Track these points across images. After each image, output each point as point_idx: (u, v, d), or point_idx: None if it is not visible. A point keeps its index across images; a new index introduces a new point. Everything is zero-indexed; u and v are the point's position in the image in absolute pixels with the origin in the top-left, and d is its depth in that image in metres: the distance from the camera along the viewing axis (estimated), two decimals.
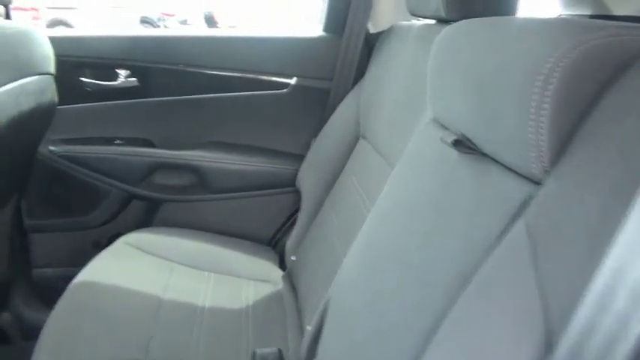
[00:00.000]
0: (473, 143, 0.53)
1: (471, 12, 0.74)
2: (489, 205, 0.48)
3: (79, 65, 1.32)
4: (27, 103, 1.00)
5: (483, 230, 0.47)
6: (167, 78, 1.35)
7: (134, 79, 1.34)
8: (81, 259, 1.14)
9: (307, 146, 1.37)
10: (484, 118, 0.51)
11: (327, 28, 1.36)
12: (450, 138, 0.55)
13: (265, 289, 1.15)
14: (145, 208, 1.44)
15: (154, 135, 1.39)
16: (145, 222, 1.44)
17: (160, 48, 1.34)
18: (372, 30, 1.30)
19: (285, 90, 1.37)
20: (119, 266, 1.10)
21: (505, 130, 0.46)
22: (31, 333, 0.93)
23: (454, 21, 0.71)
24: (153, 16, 6.24)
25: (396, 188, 0.70)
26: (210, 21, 5.72)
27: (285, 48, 1.37)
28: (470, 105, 0.54)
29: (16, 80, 0.95)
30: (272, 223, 1.44)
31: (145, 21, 6.09)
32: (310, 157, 1.33)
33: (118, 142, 1.38)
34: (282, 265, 1.30)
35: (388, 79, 1.08)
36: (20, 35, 1.00)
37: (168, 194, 1.42)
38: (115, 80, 1.34)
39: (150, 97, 1.37)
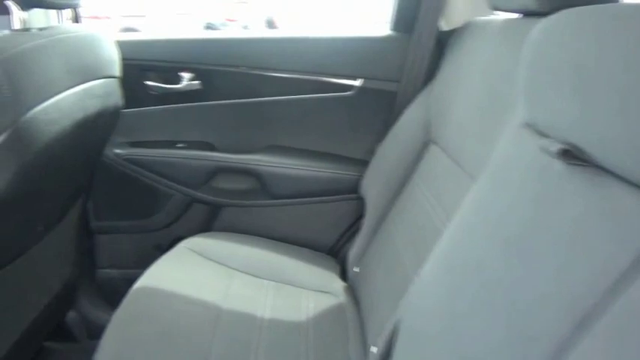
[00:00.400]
0: (584, 153, 0.44)
1: (568, 2, 0.64)
2: (609, 229, 0.40)
3: (144, 69, 1.33)
4: (93, 106, 1.00)
5: (603, 260, 0.38)
6: (230, 81, 1.33)
7: (197, 82, 1.33)
8: (144, 261, 1.14)
9: (371, 152, 1.30)
10: (600, 123, 0.42)
11: (395, 27, 1.29)
12: (554, 147, 0.46)
13: (326, 301, 1.10)
14: (206, 212, 1.43)
15: (216, 138, 1.38)
16: (205, 226, 1.43)
17: (223, 50, 1.33)
18: (444, 27, 1.21)
19: (350, 92, 1.31)
20: (180, 272, 1.09)
21: (632, 138, 0.38)
22: (96, 332, 0.93)
23: (545, 13, 0.62)
24: (217, 22, 6.41)
25: (480, 201, 0.62)
26: (271, 25, 5.80)
27: (350, 48, 1.31)
28: (580, 109, 0.45)
29: (82, 83, 0.95)
30: (333, 231, 1.39)
31: (209, 27, 6.26)
32: (375, 163, 1.26)
33: (180, 145, 1.38)
34: (343, 275, 1.24)
35: (463, 79, 1.00)
36: (86, 39, 1.00)
37: (229, 199, 1.40)
38: (178, 83, 1.33)
39: (213, 100, 1.35)
